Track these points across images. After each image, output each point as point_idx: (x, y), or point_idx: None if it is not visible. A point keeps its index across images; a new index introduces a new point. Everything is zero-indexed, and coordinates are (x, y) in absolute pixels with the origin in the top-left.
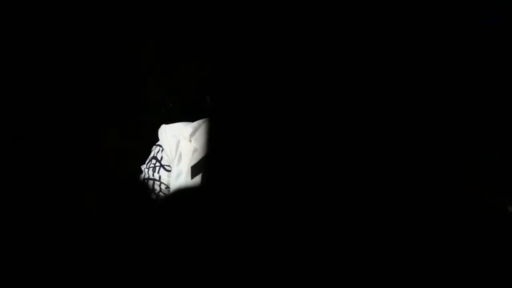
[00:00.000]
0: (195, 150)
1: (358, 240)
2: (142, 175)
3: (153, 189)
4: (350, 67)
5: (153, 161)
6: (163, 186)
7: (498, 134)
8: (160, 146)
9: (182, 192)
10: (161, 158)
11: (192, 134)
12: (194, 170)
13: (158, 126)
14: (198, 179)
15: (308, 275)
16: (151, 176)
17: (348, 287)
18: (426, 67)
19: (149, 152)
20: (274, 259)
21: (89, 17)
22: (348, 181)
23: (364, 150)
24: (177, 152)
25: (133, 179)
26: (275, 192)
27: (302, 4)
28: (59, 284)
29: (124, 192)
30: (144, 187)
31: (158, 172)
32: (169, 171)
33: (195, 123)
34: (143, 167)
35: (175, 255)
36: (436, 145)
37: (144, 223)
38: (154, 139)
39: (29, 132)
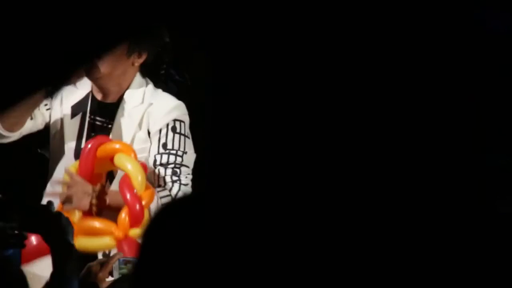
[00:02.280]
0: None
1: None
2: None
3: None
4: (360, 77)
5: None
6: None
7: (505, 136)
8: None
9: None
10: None
11: None
12: None
13: None
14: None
15: (308, 276)
16: None
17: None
18: (430, 67)
19: None
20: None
21: None
22: (352, 183)
23: (368, 151)
24: None
25: None
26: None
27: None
28: None
29: None
30: None
31: None
32: None
33: None
34: None
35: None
36: (442, 146)
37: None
38: None
39: None
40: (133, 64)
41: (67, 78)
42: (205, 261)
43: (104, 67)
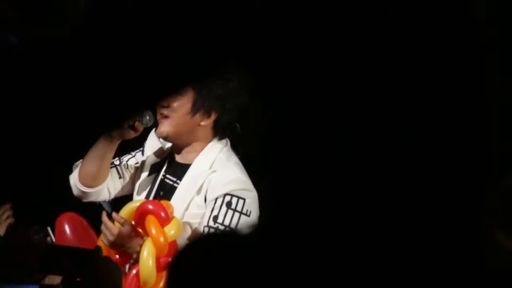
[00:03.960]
0: None
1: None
2: None
3: None
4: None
5: None
6: None
7: None
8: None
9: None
10: None
11: None
12: None
13: None
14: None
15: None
16: None
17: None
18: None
19: None
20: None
21: None
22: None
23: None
24: None
25: None
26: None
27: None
28: None
29: None
30: None
31: None
32: None
33: None
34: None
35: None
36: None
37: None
38: None
39: None
40: (199, 124)
41: (121, 127)
42: None
43: (164, 126)
